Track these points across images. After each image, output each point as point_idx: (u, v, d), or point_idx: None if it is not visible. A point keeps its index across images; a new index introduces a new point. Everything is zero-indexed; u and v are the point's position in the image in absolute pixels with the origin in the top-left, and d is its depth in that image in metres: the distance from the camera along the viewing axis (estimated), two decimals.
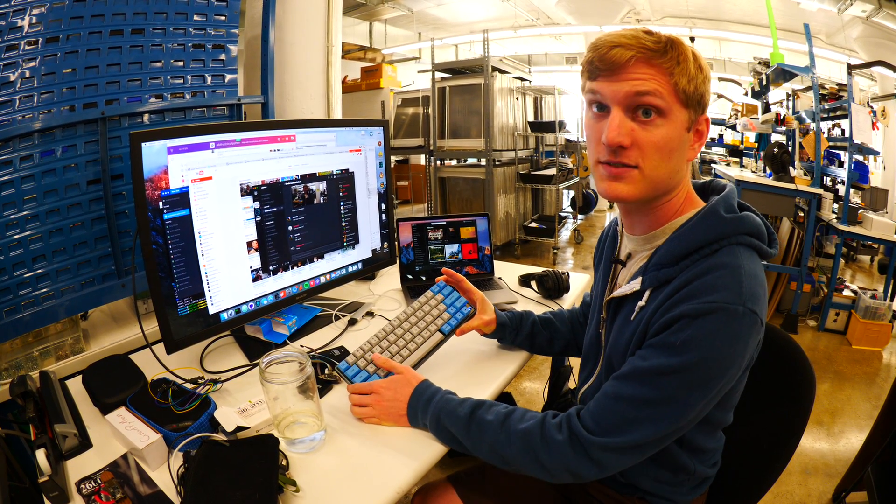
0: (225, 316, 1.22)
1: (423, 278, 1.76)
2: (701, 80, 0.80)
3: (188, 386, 1.04)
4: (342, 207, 1.50)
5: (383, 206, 1.64)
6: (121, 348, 1.36)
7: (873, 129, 4.20)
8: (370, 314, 1.51)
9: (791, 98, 4.68)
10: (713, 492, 1.06)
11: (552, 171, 5.95)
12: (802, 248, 3.76)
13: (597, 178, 0.87)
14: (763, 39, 7.36)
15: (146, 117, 1.42)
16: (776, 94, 5.65)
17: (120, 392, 1.02)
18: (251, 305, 1.28)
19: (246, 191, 1.22)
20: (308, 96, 2.08)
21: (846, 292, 3.76)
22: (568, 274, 1.67)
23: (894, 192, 5.21)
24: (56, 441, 0.89)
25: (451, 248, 1.78)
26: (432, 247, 1.77)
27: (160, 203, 1.04)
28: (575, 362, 1.44)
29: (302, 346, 1.32)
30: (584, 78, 0.85)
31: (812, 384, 1.02)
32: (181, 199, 1.08)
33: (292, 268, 1.37)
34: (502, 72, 5.77)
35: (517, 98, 6.13)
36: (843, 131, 5.26)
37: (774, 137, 5.14)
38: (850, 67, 3.81)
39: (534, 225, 6.18)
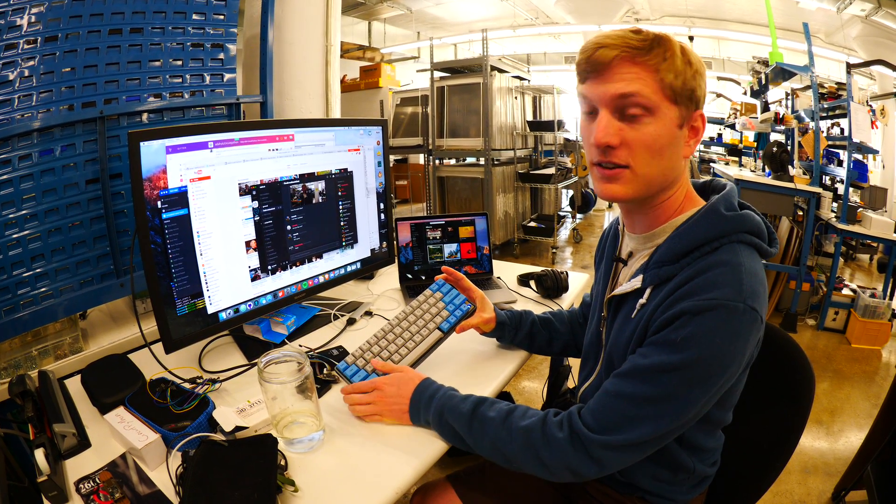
0: (223, 315, 1.22)
1: (423, 278, 1.76)
2: (690, 75, 0.80)
3: (187, 386, 1.04)
4: (341, 207, 1.50)
5: (382, 206, 1.64)
6: (119, 348, 1.36)
7: (872, 127, 4.20)
8: (369, 314, 1.51)
9: (790, 97, 4.68)
10: (713, 491, 1.06)
11: (551, 171, 5.95)
12: (801, 246, 3.76)
13: (593, 180, 0.88)
14: (762, 38, 7.36)
15: (145, 116, 1.42)
16: (775, 93, 5.66)
17: (119, 392, 1.02)
18: (250, 305, 1.28)
19: (244, 190, 1.22)
20: (307, 96, 2.08)
21: (845, 291, 3.76)
22: (567, 273, 1.67)
23: (893, 191, 5.22)
24: (55, 440, 0.89)
25: (449, 248, 1.78)
26: (431, 246, 1.77)
27: (159, 202, 1.04)
28: (574, 362, 1.44)
29: (300, 345, 1.32)
30: (577, 81, 0.87)
31: (811, 383, 1.02)
32: (180, 198, 1.08)
33: (291, 267, 1.37)
34: (501, 71, 5.76)
35: (516, 97, 6.13)
36: (842, 130, 5.26)
37: (773, 136, 5.14)
38: (850, 66, 3.81)
39: (532, 224, 6.18)
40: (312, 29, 2.04)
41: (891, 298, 3.69)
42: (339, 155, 1.47)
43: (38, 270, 1.25)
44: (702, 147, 9.58)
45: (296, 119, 1.97)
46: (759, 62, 5.25)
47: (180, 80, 1.49)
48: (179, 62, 1.48)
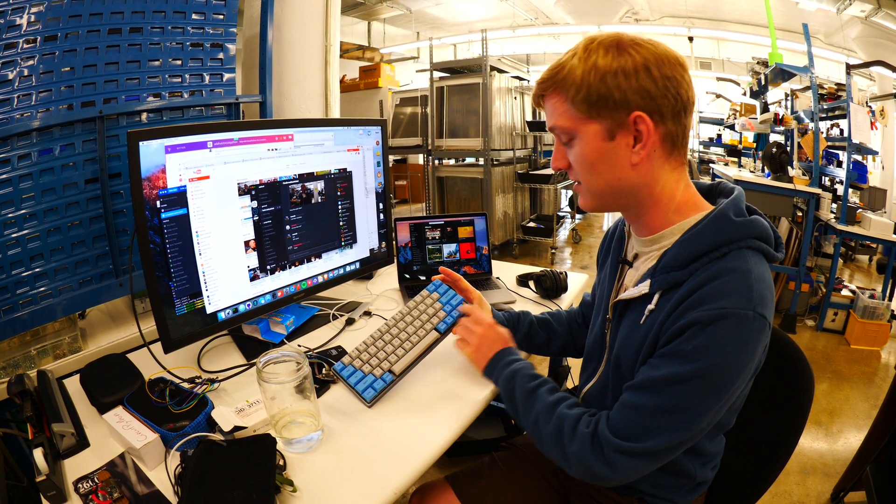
0: (222, 315, 1.22)
1: (422, 278, 1.76)
2: (597, 80, 0.78)
3: (185, 385, 1.04)
4: (340, 207, 1.50)
5: (381, 206, 1.64)
6: (118, 347, 1.36)
7: (872, 128, 4.20)
8: (368, 314, 1.51)
9: (789, 98, 4.69)
10: (712, 492, 1.06)
11: (550, 171, 5.94)
12: (801, 247, 3.76)
13: None
14: (762, 39, 7.37)
15: (144, 116, 1.42)
16: (775, 93, 5.66)
17: (117, 391, 1.02)
18: (249, 305, 1.28)
19: (243, 190, 1.21)
20: (306, 95, 2.08)
21: (844, 292, 3.76)
22: (566, 274, 1.67)
23: (893, 192, 5.22)
24: (53, 440, 0.89)
25: (448, 248, 1.78)
26: (430, 246, 1.77)
27: (158, 202, 1.04)
28: (573, 362, 1.44)
29: (299, 345, 1.32)
30: None
31: (810, 384, 1.02)
32: (179, 198, 1.08)
33: (290, 267, 1.37)
34: (500, 71, 5.76)
35: (515, 98, 6.13)
36: (841, 131, 5.27)
37: (773, 137, 5.15)
38: (849, 67, 3.82)
39: (532, 224, 6.18)
40: (312, 29, 2.04)
41: (890, 299, 3.69)
42: (339, 155, 1.47)
43: (37, 270, 1.25)
44: (701, 148, 9.61)
45: (295, 119, 1.97)
46: (758, 63, 5.26)
47: (179, 79, 1.49)
48: (179, 62, 1.48)
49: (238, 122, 1.65)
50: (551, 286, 1.61)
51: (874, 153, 4.28)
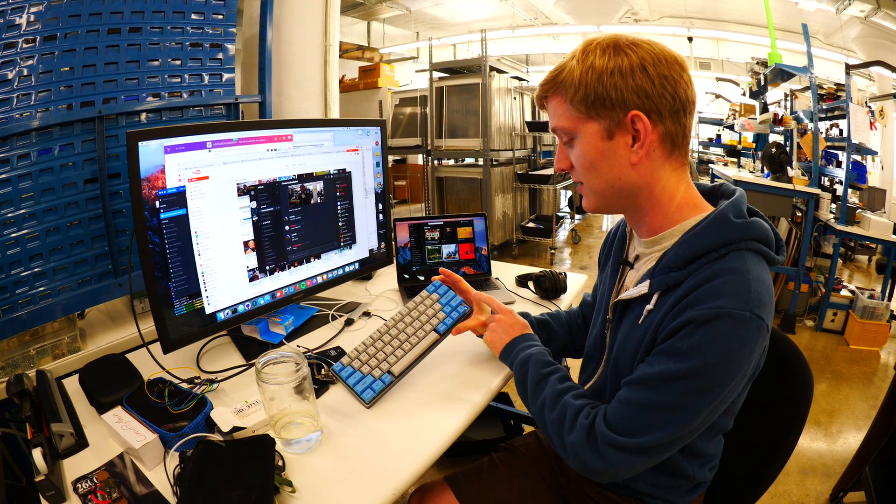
0: (221, 316, 1.21)
1: (421, 278, 1.76)
2: (594, 80, 0.80)
3: (185, 386, 1.04)
4: (339, 207, 1.50)
5: (380, 206, 1.64)
6: (117, 347, 1.36)
7: (871, 128, 4.20)
8: (367, 314, 1.51)
9: (789, 98, 4.69)
10: (711, 492, 1.06)
11: (550, 171, 5.95)
12: (800, 248, 3.76)
13: None
14: (761, 39, 7.37)
15: (143, 116, 1.42)
16: (774, 94, 5.66)
17: (116, 391, 1.02)
18: (248, 305, 1.28)
19: (243, 190, 1.21)
20: (305, 96, 2.08)
21: (844, 292, 3.76)
22: (565, 274, 1.67)
23: (892, 192, 5.22)
24: (52, 440, 0.89)
25: (448, 249, 1.78)
26: (429, 247, 1.77)
27: (157, 202, 1.04)
28: (572, 362, 1.44)
29: (298, 346, 1.32)
30: None
31: (809, 384, 1.02)
32: (178, 198, 1.08)
33: (289, 268, 1.37)
34: (500, 71, 5.77)
35: (515, 98, 6.13)
36: (840, 131, 5.27)
37: (772, 137, 5.14)
38: (848, 67, 3.82)
39: (531, 225, 6.18)
40: (311, 29, 2.04)
41: (889, 299, 3.69)
42: (338, 155, 1.47)
43: (36, 269, 1.25)
44: (701, 148, 9.62)
45: (294, 119, 1.97)
46: (758, 63, 5.26)
47: (179, 79, 1.49)
48: (178, 62, 1.48)
49: (237, 122, 1.65)
50: (550, 287, 1.61)
51: (873, 153, 4.27)
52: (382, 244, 1.67)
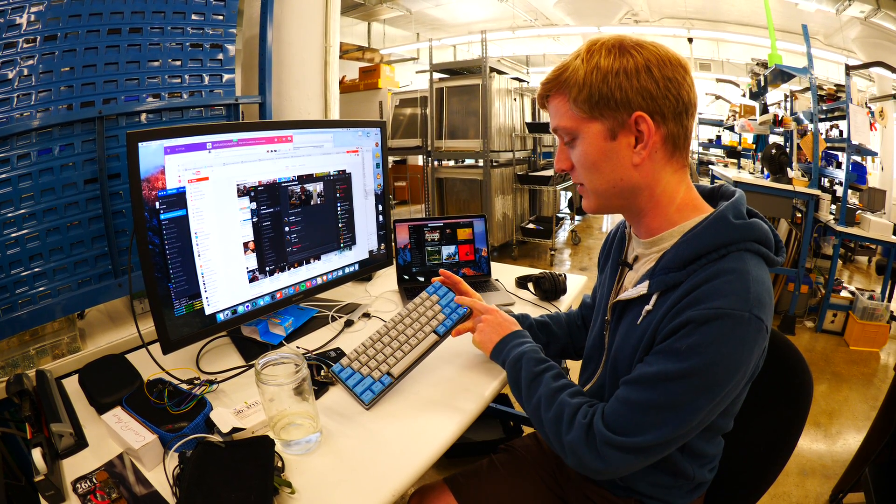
0: (221, 317, 1.21)
1: (421, 279, 1.76)
2: (599, 80, 0.80)
3: (184, 386, 1.04)
4: (339, 208, 1.50)
5: (380, 208, 1.64)
6: (117, 348, 1.36)
7: (871, 129, 4.20)
8: (367, 315, 1.51)
9: (789, 99, 4.69)
10: (711, 493, 1.06)
11: (550, 173, 5.94)
12: (800, 249, 3.76)
13: None
14: (761, 40, 7.38)
15: (143, 116, 1.42)
16: (774, 95, 5.66)
17: (116, 392, 1.02)
18: (247, 306, 1.28)
19: (243, 191, 1.21)
20: (305, 97, 2.08)
21: (844, 293, 3.76)
22: (565, 276, 1.67)
23: (892, 193, 5.22)
24: (52, 440, 0.89)
25: (447, 250, 1.78)
26: (429, 248, 1.77)
27: (157, 203, 1.04)
28: (572, 363, 1.44)
29: (298, 347, 1.32)
30: None
31: (809, 385, 1.02)
32: (178, 199, 1.08)
33: (289, 269, 1.37)
34: (500, 72, 5.77)
35: (515, 99, 6.13)
36: (840, 132, 5.27)
37: (772, 139, 5.15)
38: (848, 68, 3.82)
39: (531, 226, 6.18)
40: (311, 30, 2.04)
41: (889, 300, 3.69)
42: (338, 156, 1.47)
43: (36, 270, 1.25)
44: (700, 149, 9.62)
45: (294, 120, 1.97)
46: (757, 64, 5.26)
47: (179, 80, 1.49)
48: (178, 62, 1.48)
49: (237, 123, 1.65)
50: (550, 288, 1.61)
51: (873, 154, 4.27)
52: (382, 245, 1.67)
